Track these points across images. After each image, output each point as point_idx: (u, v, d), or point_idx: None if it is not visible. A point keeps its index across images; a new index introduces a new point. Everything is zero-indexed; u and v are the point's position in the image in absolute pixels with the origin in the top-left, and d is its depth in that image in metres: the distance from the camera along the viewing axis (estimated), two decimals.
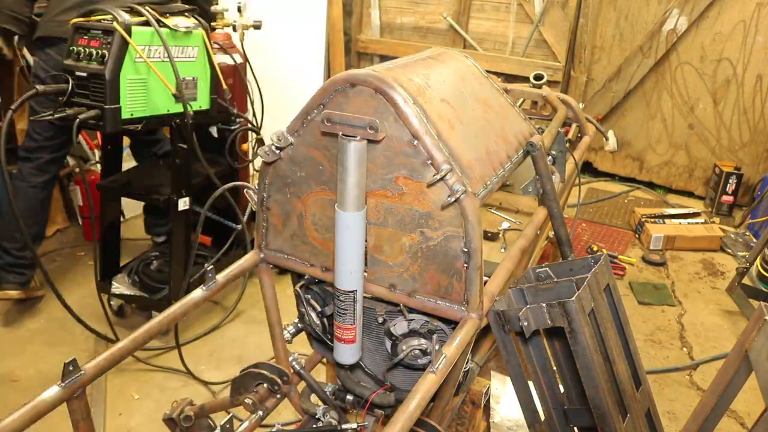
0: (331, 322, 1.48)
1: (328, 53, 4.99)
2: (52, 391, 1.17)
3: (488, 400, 1.77)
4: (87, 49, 2.29)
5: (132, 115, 2.37)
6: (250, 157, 3.21)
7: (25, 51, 3.23)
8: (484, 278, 1.38)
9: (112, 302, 2.95)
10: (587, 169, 5.04)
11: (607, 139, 2.98)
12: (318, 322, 1.58)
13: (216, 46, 2.85)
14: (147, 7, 2.39)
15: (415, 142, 1.29)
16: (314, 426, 1.59)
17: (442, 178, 1.27)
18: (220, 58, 2.85)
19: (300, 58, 4.87)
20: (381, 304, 1.47)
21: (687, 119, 4.67)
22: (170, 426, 1.66)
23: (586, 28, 4.73)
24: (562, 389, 1.54)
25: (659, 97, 4.71)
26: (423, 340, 1.45)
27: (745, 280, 3.39)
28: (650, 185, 4.93)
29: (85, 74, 2.28)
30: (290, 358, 1.62)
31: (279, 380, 1.61)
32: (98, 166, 3.64)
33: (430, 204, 1.31)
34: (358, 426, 1.54)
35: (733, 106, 4.49)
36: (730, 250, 3.94)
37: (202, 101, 2.68)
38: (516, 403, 1.58)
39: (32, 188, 2.82)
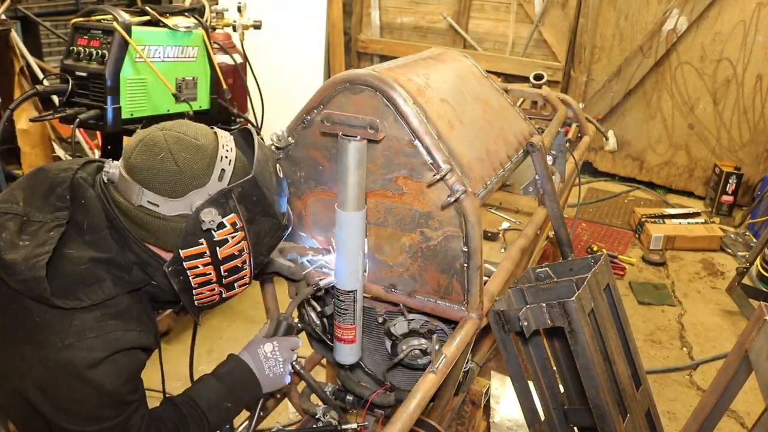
0: (331, 322, 1.48)
1: (328, 53, 4.99)
2: None
3: (488, 400, 1.77)
4: (87, 49, 2.29)
5: (132, 115, 2.37)
6: None
7: (25, 51, 3.23)
8: (484, 278, 1.38)
9: None
10: (587, 169, 5.04)
11: (607, 139, 2.98)
12: (318, 322, 1.58)
13: (216, 46, 2.85)
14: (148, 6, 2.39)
15: (415, 142, 1.29)
16: (314, 426, 1.59)
17: (442, 178, 1.27)
18: (220, 58, 2.85)
19: (300, 58, 4.87)
20: (381, 304, 1.47)
21: (687, 119, 4.67)
22: None
23: (586, 28, 4.73)
24: (562, 389, 1.54)
25: (659, 97, 4.71)
26: (423, 340, 1.45)
27: (745, 280, 3.39)
28: (650, 185, 4.93)
29: (85, 74, 2.28)
30: None
31: None
32: None
33: (430, 204, 1.31)
34: (358, 426, 1.54)
35: (733, 106, 4.49)
36: (730, 250, 3.94)
37: (202, 101, 2.68)
38: (516, 403, 1.58)
39: None
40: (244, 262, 1.20)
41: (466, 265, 1.31)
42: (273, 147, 1.43)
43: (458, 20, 5.13)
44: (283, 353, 1.42)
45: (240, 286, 1.25)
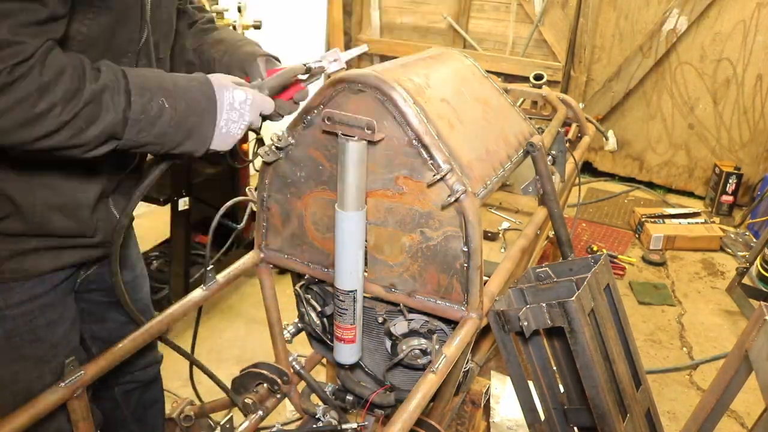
0: (331, 322, 1.48)
1: None
2: (52, 391, 1.17)
3: (488, 400, 1.77)
4: None
5: None
6: (250, 157, 3.21)
7: None
8: (484, 278, 1.38)
9: None
10: (587, 169, 5.04)
11: (607, 139, 2.97)
12: (318, 322, 1.58)
13: None
14: None
15: (415, 142, 1.29)
16: (314, 426, 1.59)
17: (442, 178, 1.27)
18: None
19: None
20: (381, 303, 1.47)
21: (687, 119, 4.67)
22: (170, 426, 1.66)
23: (586, 28, 4.73)
24: (562, 389, 1.53)
25: (659, 97, 4.71)
26: (423, 340, 1.45)
27: (745, 280, 3.39)
28: (650, 185, 4.93)
29: None
30: (290, 358, 1.62)
31: (279, 380, 1.61)
32: None
33: (430, 204, 1.31)
34: (358, 426, 1.54)
35: (733, 106, 4.49)
36: (730, 250, 3.94)
37: None
38: (516, 403, 1.58)
39: None
40: None
41: (466, 265, 1.31)
42: (273, 147, 1.43)
43: (458, 20, 5.13)
44: (252, 111, 1.13)
45: None
